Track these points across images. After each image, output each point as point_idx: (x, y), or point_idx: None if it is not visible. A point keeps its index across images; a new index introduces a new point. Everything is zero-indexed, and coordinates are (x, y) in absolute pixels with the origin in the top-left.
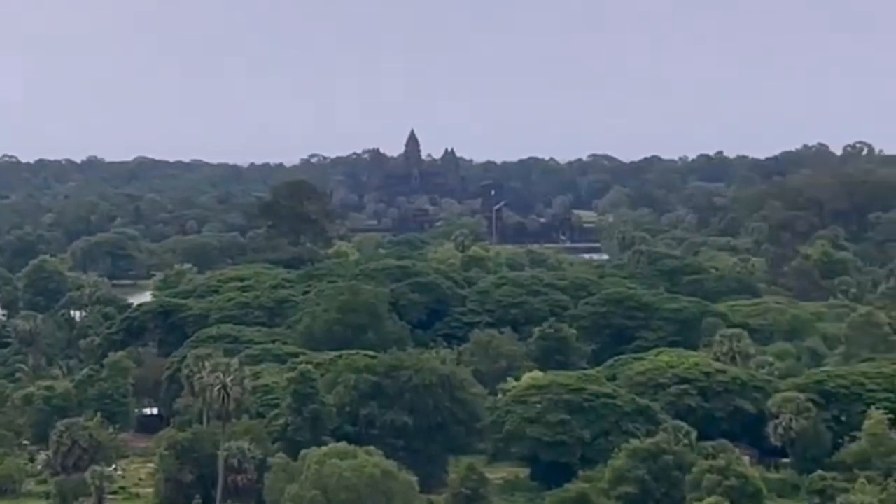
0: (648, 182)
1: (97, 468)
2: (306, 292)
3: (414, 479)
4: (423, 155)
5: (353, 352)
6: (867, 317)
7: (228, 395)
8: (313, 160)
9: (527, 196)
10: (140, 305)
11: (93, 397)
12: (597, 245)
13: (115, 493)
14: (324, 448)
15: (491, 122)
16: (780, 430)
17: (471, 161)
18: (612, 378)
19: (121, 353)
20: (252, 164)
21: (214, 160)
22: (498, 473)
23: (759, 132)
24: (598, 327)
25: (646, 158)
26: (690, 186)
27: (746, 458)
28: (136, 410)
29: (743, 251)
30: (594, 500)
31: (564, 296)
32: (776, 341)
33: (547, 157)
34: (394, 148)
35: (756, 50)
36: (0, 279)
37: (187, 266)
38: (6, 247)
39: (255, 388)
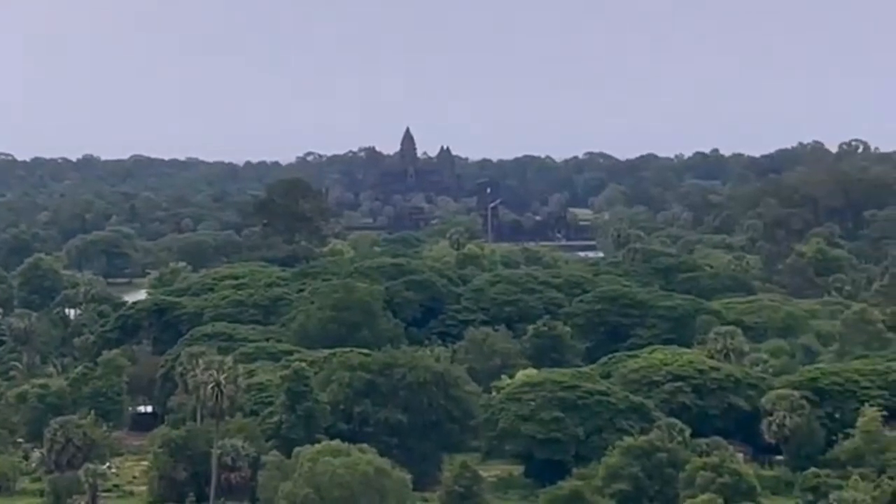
0: (644, 180)
1: (91, 466)
2: (301, 290)
3: (408, 476)
4: (419, 153)
5: (348, 349)
6: (861, 314)
7: (222, 392)
8: (309, 158)
9: (522, 194)
10: (135, 303)
11: (87, 395)
12: (592, 243)
13: (108, 490)
14: (317, 446)
15: (487, 121)
16: (773, 427)
17: (466, 159)
18: (607, 375)
19: (115, 351)
20: (248, 163)
21: (210, 159)
22: (492, 471)
23: (754, 130)
24: (592, 325)
25: (641, 156)
26: (686, 184)
27: (740, 456)
28: (131, 408)
29: (738, 249)
30: (588, 497)
31: (559, 293)
32: (770, 338)
33: (543, 155)
34: (390, 146)
35: (752, 48)
36: None
37: (182, 264)
38: (1, 245)
39: (249, 385)
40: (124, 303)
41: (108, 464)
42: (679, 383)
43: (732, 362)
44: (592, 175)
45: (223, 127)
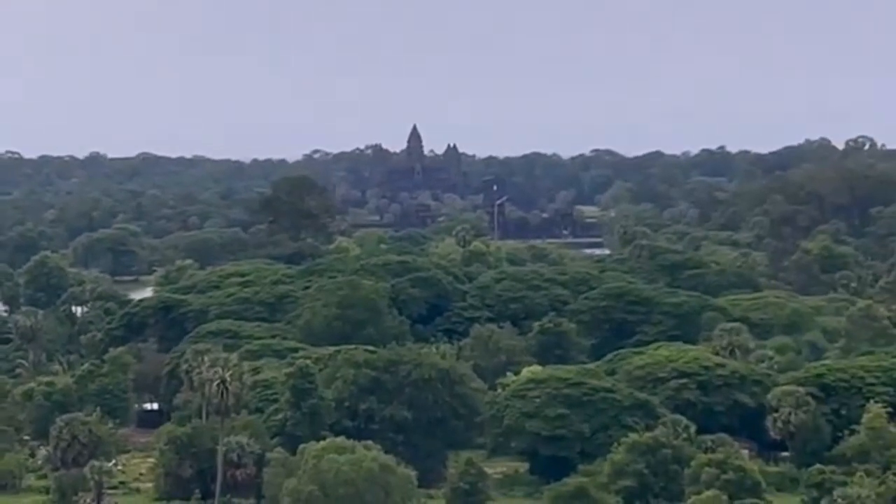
0: (651, 177)
1: (97, 463)
2: (307, 288)
3: (413, 473)
4: (426, 150)
5: (353, 347)
6: (866, 310)
7: (227, 390)
8: (315, 156)
9: (529, 191)
10: (140, 301)
11: (93, 392)
12: (599, 240)
13: (114, 487)
14: (322, 443)
15: (494, 118)
16: (779, 423)
17: (473, 156)
18: (612, 372)
19: (121, 348)
20: (254, 160)
21: (217, 156)
22: (497, 468)
23: (761, 127)
24: (597, 322)
25: (648, 154)
26: (692, 181)
27: (745, 452)
28: (136, 406)
29: (744, 246)
30: (593, 494)
31: (564, 290)
32: (776, 335)
33: (549, 153)
34: (396, 143)
35: (758, 45)
36: (1, 275)
37: (188, 262)
38: (8, 243)
39: (255, 383)
40: (130, 300)
41: (113, 461)
42: (684, 380)
43: (738, 359)
44: (599, 172)
45: (229, 125)
